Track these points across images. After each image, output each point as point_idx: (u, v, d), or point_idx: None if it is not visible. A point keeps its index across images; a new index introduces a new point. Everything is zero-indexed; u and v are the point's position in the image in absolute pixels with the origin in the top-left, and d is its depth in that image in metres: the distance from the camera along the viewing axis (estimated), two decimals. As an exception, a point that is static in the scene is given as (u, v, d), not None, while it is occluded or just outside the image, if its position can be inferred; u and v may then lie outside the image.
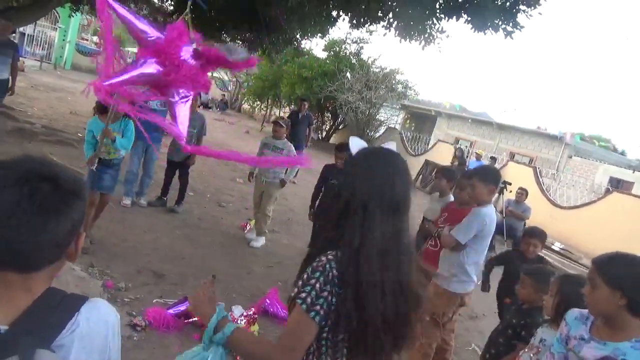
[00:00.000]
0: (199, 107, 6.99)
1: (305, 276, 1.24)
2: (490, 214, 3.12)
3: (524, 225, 8.77)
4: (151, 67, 2.25)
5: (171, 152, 5.85)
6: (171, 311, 3.35)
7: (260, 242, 5.51)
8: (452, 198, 4.04)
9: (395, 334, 1.28)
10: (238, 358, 1.67)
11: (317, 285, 1.20)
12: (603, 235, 9.18)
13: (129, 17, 2.41)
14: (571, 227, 10.83)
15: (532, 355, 2.31)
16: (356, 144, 1.39)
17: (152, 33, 2.33)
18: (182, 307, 3.39)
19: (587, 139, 19.85)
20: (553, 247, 10.19)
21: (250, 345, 1.26)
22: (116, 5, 2.36)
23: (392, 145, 1.42)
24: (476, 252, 3.13)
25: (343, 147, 4.71)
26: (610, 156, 18.08)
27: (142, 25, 2.37)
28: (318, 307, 1.19)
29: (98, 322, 0.93)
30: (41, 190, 0.84)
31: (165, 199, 5.96)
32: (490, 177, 3.17)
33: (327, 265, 1.22)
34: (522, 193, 8.47)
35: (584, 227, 10.45)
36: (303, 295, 1.20)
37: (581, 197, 12.18)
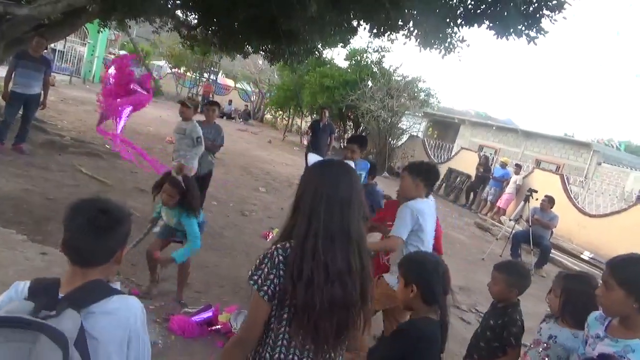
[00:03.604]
0: (221, 117, 7.14)
1: (257, 262, 1.47)
2: (420, 209, 3.03)
3: (551, 234, 8.58)
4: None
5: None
6: (195, 319, 3.39)
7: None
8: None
9: (339, 320, 1.46)
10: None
11: (265, 270, 1.44)
12: (634, 244, 8.87)
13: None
14: (601, 236, 10.52)
15: (540, 350, 2.27)
16: (313, 158, 1.67)
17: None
18: (206, 315, 3.43)
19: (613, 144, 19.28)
20: (582, 256, 9.91)
21: (232, 338, 1.57)
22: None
23: (350, 162, 1.72)
24: (416, 249, 3.01)
25: (353, 139, 4.66)
26: (641, 163, 17.53)
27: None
28: (266, 288, 1.43)
29: (125, 307, 1.35)
30: (98, 219, 1.33)
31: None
32: (419, 171, 3.11)
33: (275, 252, 1.45)
34: (547, 201, 8.29)
35: (614, 236, 10.13)
36: (255, 277, 1.45)
37: (611, 205, 11.83)
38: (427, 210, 3.12)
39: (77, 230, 1.33)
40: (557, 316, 2.33)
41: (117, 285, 1.46)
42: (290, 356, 1.46)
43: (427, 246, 3.12)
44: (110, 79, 3.61)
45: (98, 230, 1.33)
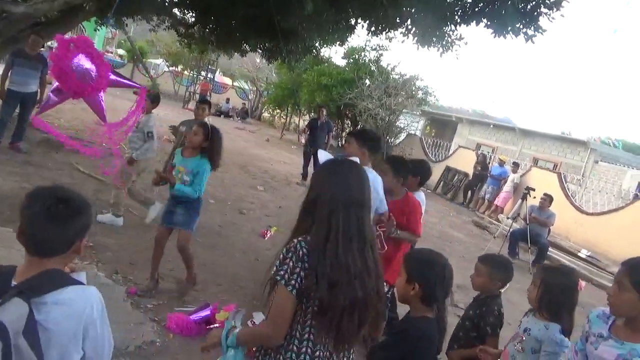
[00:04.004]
0: (218, 115, 7.01)
1: (281, 256, 1.48)
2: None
3: (549, 232, 8.60)
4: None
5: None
6: (193, 317, 3.38)
7: (113, 219, 5.03)
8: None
9: (359, 319, 1.49)
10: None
11: (291, 264, 1.45)
12: (631, 242, 8.91)
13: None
14: (598, 234, 10.55)
15: (516, 343, 2.29)
16: (324, 156, 1.73)
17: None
18: (204, 314, 3.42)
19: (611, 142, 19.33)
20: (579, 254, 9.94)
21: (252, 332, 1.61)
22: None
23: (355, 158, 1.73)
24: None
25: (352, 133, 4.65)
26: (638, 161, 17.57)
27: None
28: (293, 282, 1.44)
29: (80, 297, 1.32)
30: (56, 208, 1.30)
31: None
32: (365, 139, 3.12)
33: (298, 245, 1.47)
34: (546, 199, 8.31)
35: (611, 234, 10.16)
36: (281, 273, 1.45)
37: (608, 203, 11.86)
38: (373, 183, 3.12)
39: (34, 219, 1.29)
40: (534, 308, 2.34)
41: (81, 276, 1.43)
42: (318, 352, 1.49)
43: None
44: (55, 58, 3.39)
45: (56, 220, 1.30)
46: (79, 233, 1.37)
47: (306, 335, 1.48)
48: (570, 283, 2.29)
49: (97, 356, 1.39)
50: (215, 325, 3.33)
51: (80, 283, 1.37)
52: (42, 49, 7.34)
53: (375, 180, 3.07)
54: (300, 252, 1.46)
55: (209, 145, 3.70)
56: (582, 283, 2.45)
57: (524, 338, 2.28)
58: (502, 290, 2.74)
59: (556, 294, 2.21)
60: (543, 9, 5.46)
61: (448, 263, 2.02)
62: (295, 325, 1.49)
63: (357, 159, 1.75)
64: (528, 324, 2.31)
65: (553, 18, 5.55)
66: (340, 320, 1.45)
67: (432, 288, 1.93)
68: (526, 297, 2.37)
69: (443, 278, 1.95)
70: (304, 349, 1.48)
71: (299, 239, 1.49)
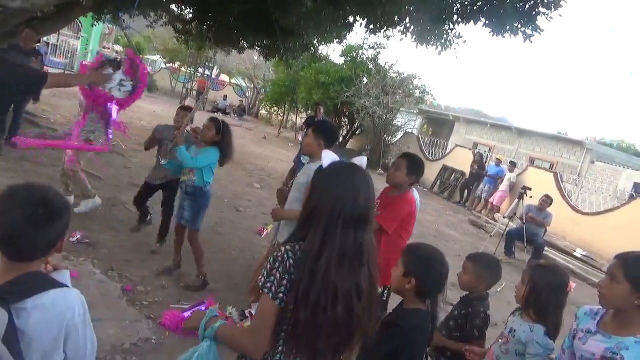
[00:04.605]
0: (216, 112, 6.93)
1: (268, 266, 1.41)
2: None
3: (545, 231, 8.62)
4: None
5: (152, 175, 4.78)
6: (187, 314, 3.37)
7: (84, 206, 4.91)
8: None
9: (339, 340, 1.43)
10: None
11: (278, 275, 1.38)
12: (627, 242, 8.91)
13: None
14: (594, 234, 10.59)
15: (501, 344, 2.27)
16: (329, 157, 1.54)
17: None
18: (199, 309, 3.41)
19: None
20: (575, 253, 9.97)
21: (231, 333, 1.49)
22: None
23: (362, 161, 1.59)
24: None
25: (308, 123, 4.58)
26: (634, 161, 17.65)
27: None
28: (281, 295, 1.38)
29: (61, 302, 1.27)
30: (37, 213, 1.23)
31: (149, 217, 5.03)
32: (321, 131, 3.18)
33: (285, 256, 1.39)
34: (546, 201, 8.30)
35: (607, 234, 10.20)
36: (268, 285, 1.39)
37: (604, 203, 11.91)
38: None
39: (12, 226, 1.21)
40: (522, 307, 2.29)
41: (63, 275, 1.39)
42: None
43: None
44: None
45: (37, 226, 1.23)
46: (60, 234, 1.32)
47: (280, 348, 1.43)
48: (559, 282, 2.24)
49: (78, 357, 1.36)
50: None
51: (62, 285, 1.32)
52: (37, 44, 7.30)
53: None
54: (287, 264, 1.38)
55: (220, 139, 3.92)
56: (572, 284, 2.42)
57: (509, 340, 2.25)
58: (490, 292, 2.69)
59: (544, 293, 2.17)
60: (541, 9, 5.46)
61: (446, 261, 2.02)
62: (279, 335, 1.43)
63: (364, 161, 1.61)
64: (514, 325, 2.28)
65: (551, 18, 5.54)
66: (315, 341, 1.38)
67: (428, 285, 1.94)
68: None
69: (440, 276, 1.96)
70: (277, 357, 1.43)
71: (288, 247, 1.41)
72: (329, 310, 1.37)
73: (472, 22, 5.81)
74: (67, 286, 1.35)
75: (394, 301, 2.33)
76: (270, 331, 1.40)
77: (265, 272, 1.41)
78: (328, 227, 1.39)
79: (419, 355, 1.97)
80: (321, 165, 1.54)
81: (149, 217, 5.03)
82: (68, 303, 1.30)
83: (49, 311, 1.24)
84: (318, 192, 1.48)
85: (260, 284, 1.41)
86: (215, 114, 6.50)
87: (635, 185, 13.85)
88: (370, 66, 18.10)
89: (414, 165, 3.40)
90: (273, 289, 1.38)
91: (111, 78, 3.39)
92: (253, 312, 3.42)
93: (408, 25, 6.41)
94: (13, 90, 3.72)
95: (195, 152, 3.92)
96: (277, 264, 1.39)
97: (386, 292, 3.21)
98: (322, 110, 10.19)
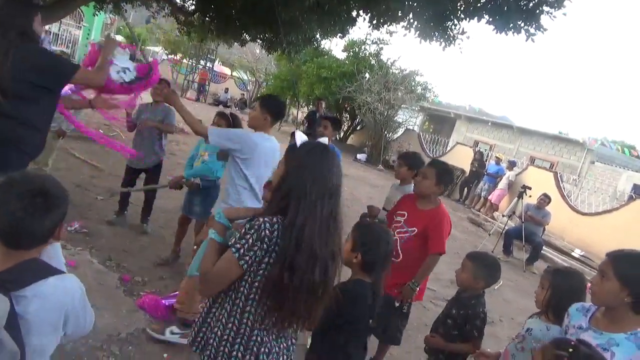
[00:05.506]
0: (217, 105, 6.88)
1: (242, 230, 1.51)
2: (259, 142, 3.00)
3: (544, 230, 8.63)
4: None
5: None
6: (164, 301, 3.38)
7: None
8: (412, 187, 3.44)
9: (314, 301, 1.54)
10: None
11: (250, 240, 1.48)
12: (625, 243, 8.90)
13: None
14: (592, 234, 10.60)
15: (517, 343, 2.31)
16: (300, 137, 1.66)
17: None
18: (175, 300, 3.42)
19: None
20: (573, 253, 9.99)
21: (207, 254, 1.62)
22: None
23: (325, 140, 1.71)
24: (241, 188, 2.99)
25: (259, 98, 4.38)
26: (634, 163, 17.64)
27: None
28: (247, 258, 1.48)
29: (61, 290, 1.31)
30: (35, 203, 1.25)
31: (125, 212, 4.93)
32: (268, 106, 3.10)
33: (262, 226, 1.48)
34: (544, 200, 8.30)
35: (605, 235, 10.21)
36: (237, 246, 1.49)
37: (603, 203, 11.92)
38: (268, 149, 3.04)
39: (10, 216, 1.23)
40: (541, 310, 2.33)
41: (55, 247, 1.42)
42: (258, 324, 1.54)
43: (253, 187, 2.97)
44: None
45: (35, 215, 1.25)
46: (58, 222, 1.34)
47: (248, 308, 1.53)
48: (579, 285, 2.29)
49: (78, 332, 1.43)
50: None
51: (60, 272, 1.35)
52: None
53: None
54: (262, 233, 1.47)
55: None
56: (589, 285, 2.46)
57: (525, 338, 2.29)
58: (485, 291, 2.72)
59: (565, 297, 2.19)
60: (545, 7, 5.43)
61: (392, 241, 2.21)
62: (238, 293, 1.54)
63: (326, 140, 1.72)
64: (531, 325, 2.32)
65: (554, 17, 5.52)
66: (294, 304, 1.49)
67: (374, 261, 2.10)
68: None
69: (385, 255, 2.12)
70: (245, 320, 1.53)
71: (265, 219, 1.50)
72: (309, 274, 1.48)
73: (475, 18, 5.79)
74: (63, 272, 1.38)
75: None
76: (222, 288, 1.55)
77: (238, 234, 1.52)
78: (309, 201, 1.51)
79: (359, 321, 2.10)
80: (294, 144, 1.63)
81: (126, 211, 4.91)
82: (67, 291, 1.33)
83: (48, 299, 1.27)
84: (296, 169, 1.56)
85: (230, 243, 1.53)
86: (217, 106, 6.44)
87: (635, 186, 13.87)
88: (373, 62, 18.05)
89: (444, 174, 3.10)
90: (242, 250, 1.48)
91: (114, 57, 3.14)
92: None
93: (412, 20, 6.38)
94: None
95: (205, 148, 3.94)
96: (253, 231, 1.49)
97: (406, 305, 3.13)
98: (323, 105, 10.18)
